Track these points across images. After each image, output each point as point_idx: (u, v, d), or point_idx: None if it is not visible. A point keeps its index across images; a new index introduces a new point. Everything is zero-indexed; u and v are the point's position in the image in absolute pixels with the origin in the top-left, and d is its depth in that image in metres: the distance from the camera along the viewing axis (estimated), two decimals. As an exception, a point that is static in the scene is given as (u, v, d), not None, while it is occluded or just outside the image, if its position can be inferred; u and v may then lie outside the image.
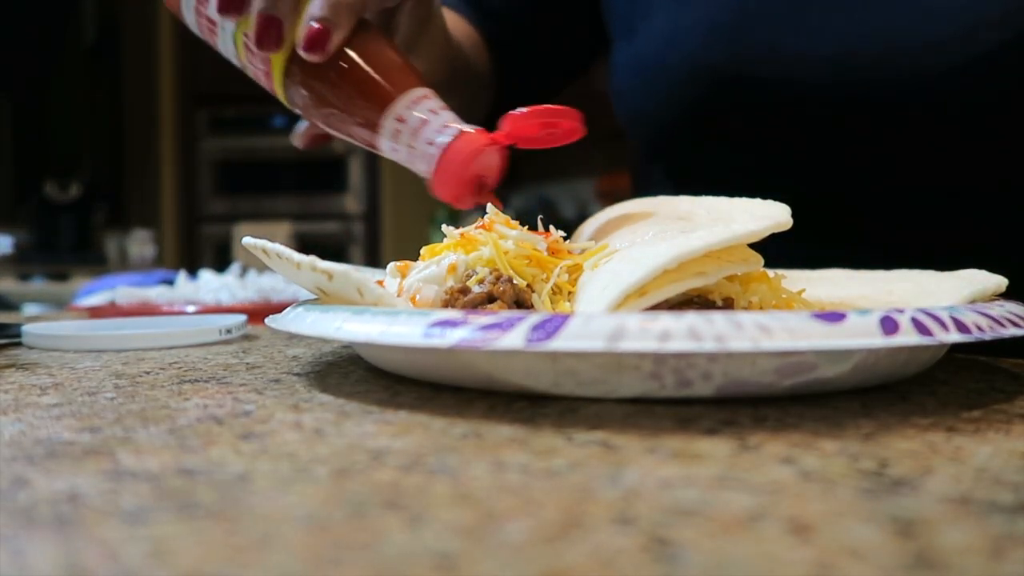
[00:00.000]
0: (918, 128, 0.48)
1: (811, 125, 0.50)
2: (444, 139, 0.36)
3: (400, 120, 0.37)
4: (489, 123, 0.38)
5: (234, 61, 0.41)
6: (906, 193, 0.50)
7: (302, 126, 0.46)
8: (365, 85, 0.37)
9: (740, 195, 0.35)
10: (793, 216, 0.30)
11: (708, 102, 0.53)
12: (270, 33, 0.37)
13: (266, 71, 0.39)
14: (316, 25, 0.36)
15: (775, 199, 0.32)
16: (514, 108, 0.36)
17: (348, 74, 0.37)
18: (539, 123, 0.36)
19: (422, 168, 0.37)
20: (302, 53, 0.37)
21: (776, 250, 0.34)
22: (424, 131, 0.36)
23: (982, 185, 0.49)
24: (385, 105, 0.37)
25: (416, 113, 0.37)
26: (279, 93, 0.40)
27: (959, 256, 0.38)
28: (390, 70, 0.38)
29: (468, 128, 0.36)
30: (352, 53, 0.38)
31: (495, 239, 0.32)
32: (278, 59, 0.38)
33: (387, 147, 0.38)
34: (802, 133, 0.51)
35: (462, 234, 0.34)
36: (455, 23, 0.59)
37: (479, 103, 0.61)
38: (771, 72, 0.50)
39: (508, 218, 0.35)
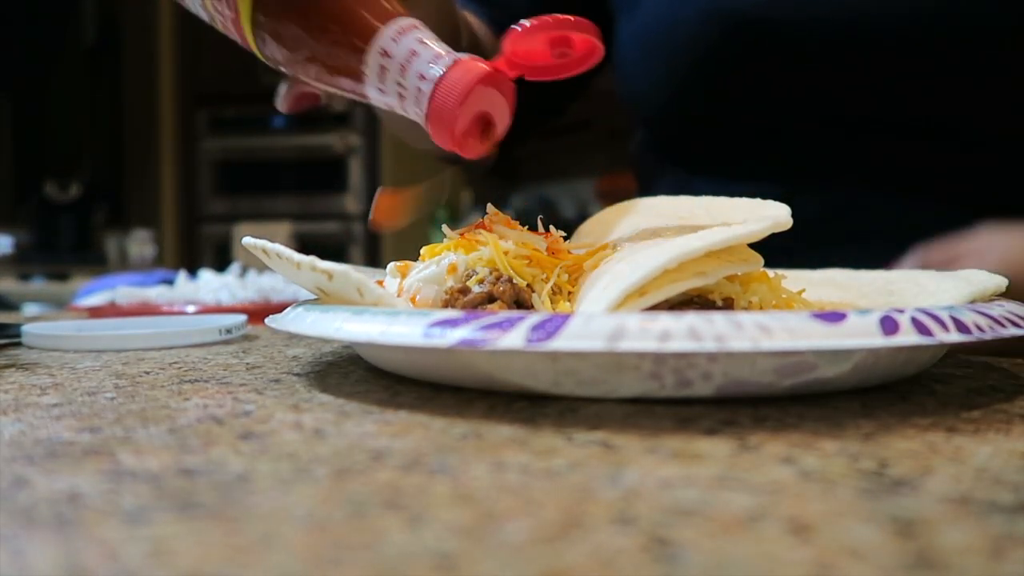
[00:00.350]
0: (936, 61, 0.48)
1: (819, 66, 0.50)
2: (437, 70, 0.31)
3: (385, 54, 0.32)
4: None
5: (202, 15, 0.36)
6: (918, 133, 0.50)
7: (283, 89, 0.42)
8: (341, 16, 0.32)
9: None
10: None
11: (717, 55, 0.52)
12: None
13: (234, 18, 0.34)
14: None
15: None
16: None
17: (320, 5, 0.33)
18: (546, 39, 0.31)
19: (415, 111, 0.32)
20: None
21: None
22: (414, 64, 0.31)
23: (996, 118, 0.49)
24: (367, 39, 0.32)
25: (403, 45, 0.32)
26: (250, 42, 0.35)
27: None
28: None
29: (464, 56, 0.31)
30: None
31: (495, 239, 0.32)
32: (245, 1, 0.33)
33: (374, 92, 0.33)
34: (812, 74, 0.50)
35: (462, 234, 0.34)
36: (475, 25, 0.58)
37: None
38: (786, 12, 0.50)
39: (508, 218, 0.35)
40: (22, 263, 2.91)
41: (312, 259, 0.31)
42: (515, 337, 0.24)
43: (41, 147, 3.46)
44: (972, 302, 0.30)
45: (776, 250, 0.33)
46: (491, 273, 0.32)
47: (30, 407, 0.27)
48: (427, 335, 0.25)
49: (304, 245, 2.81)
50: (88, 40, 3.48)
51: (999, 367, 0.35)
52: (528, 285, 0.31)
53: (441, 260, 0.33)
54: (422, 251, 0.35)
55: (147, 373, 0.34)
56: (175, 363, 0.37)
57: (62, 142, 3.48)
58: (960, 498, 0.17)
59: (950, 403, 0.27)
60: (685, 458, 0.20)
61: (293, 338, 0.47)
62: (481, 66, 0.31)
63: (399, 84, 0.32)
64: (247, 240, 0.34)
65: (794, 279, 0.38)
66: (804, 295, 0.34)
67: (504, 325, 0.24)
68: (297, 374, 0.34)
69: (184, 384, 0.31)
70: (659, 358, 0.25)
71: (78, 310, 0.69)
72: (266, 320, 0.34)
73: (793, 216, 0.29)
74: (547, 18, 0.30)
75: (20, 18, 3.28)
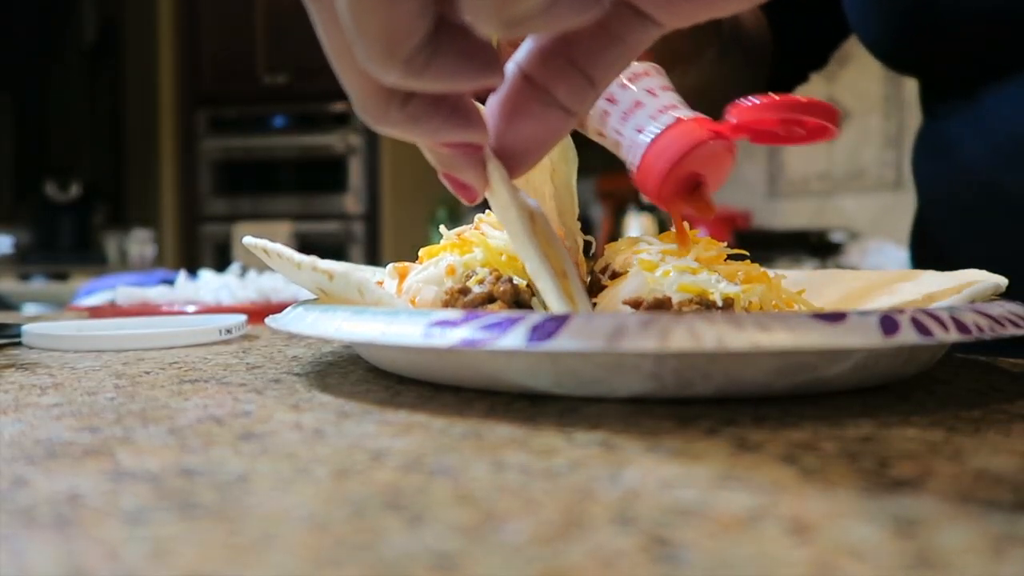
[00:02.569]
0: None
1: None
2: (655, 128, 0.31)
3: (611, 100, 0.31)
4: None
5: None
6: None
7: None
8: None
9: None
10: None
11: None
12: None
13: None
14: None
15: None
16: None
17: None
18: (777, 117, 0.30)
19: (628, 160, 0.32)
20: None
21: None
22: (635, 114, 0.31)
23: None
24: None
25: (630, 93, 0.31)
26: None
27: None
28: None
29: (689, 114, 0.31)
30: None
31: (484, 240, 0.32)
32: None
33: (594, 133, 0.33)
34: None
35: (459, 235, 0.34)
36: None
37: (753, 72, 0.57)
38: None
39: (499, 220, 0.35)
40: (22, 263, 2.91)
41: (313, 259, 0.31)
42: (515, 337, 0.24)
43: (41, 147, 3.46)
44: (972, 302, 0.30)
45: None
46: (491, 273, 0.32)
47: (30, 407, 0.27)
48: (427, 335, 0.25)
49: (304, 245, 2.82)
50: (88, 40, 3.49)
51: (999, 367, 0.35)
52: (528, 285, 0.31)
53: (439, 261, 0.33)
54: (420, 252, 0.35)
55: (147, 373, 0.34)
56: (175, 363, 0.37)
57: (62, 142, 3.48)
58: (960, 498, 0.17)
59: (950, 403, 0.27)
60: (685, 458, 0.20)
61: (293, 338, 0.47)
62: (699, 131, 0.30)
63: (617, 132, 0.32)
64: (247, 240, 0.34)
65: (794, 279, 0.38)
66: (804, 295, 0.34)
67: (504, 325, 0.24)
68: (297, 374, 0.34)
69: (184, 384, 0.31)
70: (659, 358, 0.25)
71: (78, 310, 0.69)
72: (266, 320, 0.34)
73: None
74: (781, 100, 0.29)
75: (20, 18, 3.28)
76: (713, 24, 0.46)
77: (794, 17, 0.59)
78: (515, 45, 0.25)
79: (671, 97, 0.31)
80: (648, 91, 0.31)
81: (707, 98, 0.47)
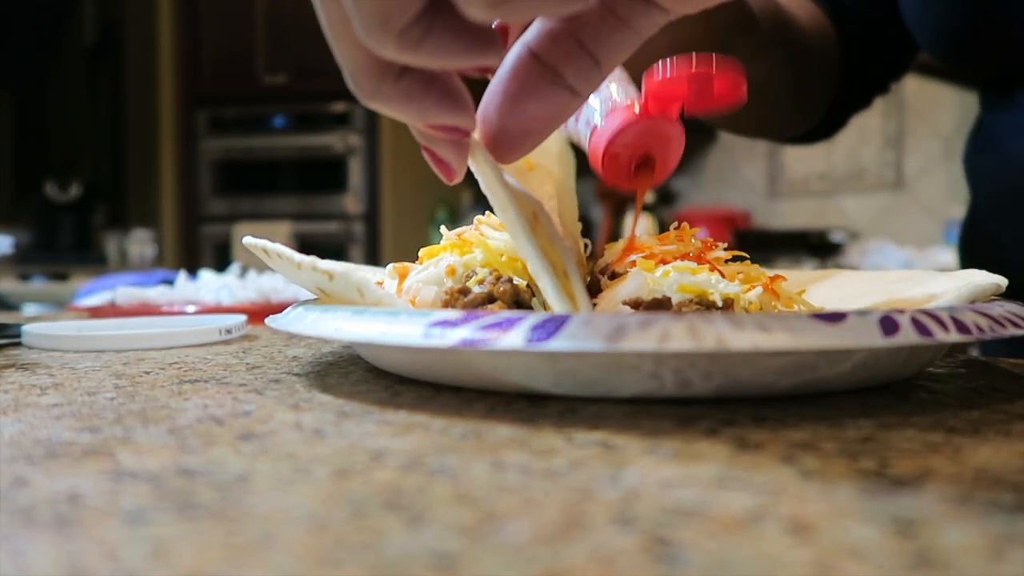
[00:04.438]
0: None
1: None
2: (597, 118, 0.33)
3: None
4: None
5: None
6: None
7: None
8: None
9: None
10: None
11: None
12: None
13: None
14: None
15: None
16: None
17: None
18: (687, 86, 0.31)
19: (586, 150, 0.34)
20: None
21: None
22: (584, 111, 0.33)
23: None
24: None
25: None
26: None
27: None
28: None
29: (622, 101, 0.33)
30: None
31: (483, 241, 0.32)
32: None
33: (572, 138, 0.36)
34: None
35: (459, 235, 0.34)
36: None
37: (815, 81, 0.57)
38: None
39: (500, 220, 0.35)
40: (22, 263, 2.90)
41: (313, 259, 0.31)
42: (515, 337, 0.24)
43: (41, 147, 3.46)
44: (972, 302, 0.30)
45: None
46: (491, 273, 0.32)
47: (30, 407, 0.27)
48: (427, 335, 0.25)
49: (304, 245, 2.82)
50: (88, 40, 3.49)
51: (999, 367, 0.35)
52: (528, 285, 0.31)
53: (440, 261, 0.33)
54: (420, 253, 0.35)
55: (147, 373, 0.34)
56: (175, 363, 0.37)
57: (62, 142, 3.48)
58: (960, 498, 0.17)
59: (950, 403, 0.27)
60: (685, 458, 0.20)
61: (293, 338, 0.47)
62: (625, 116, 0.32)
63: (577, 131, 0.34)
64: (247, 240, 0.34)
65: (794, 279, 0.38)
66: (804, 295, 0.34)
67: (504, 325, 0.24)
68: (297, 374, 0.34)
69: (184, 384, 0.31)
70: (659, 358, 0.25)
71: (78, 310, 0.69)
72: (266, 320, 0.34)
73: None
74: (686, 69, 0.30)
75: (20, 18, 3.28)
76: (742, 15, 0.45)
77: (860, 32, 0.59)
78: (524, 26, 0.25)
79: (614, 87, 0.33)
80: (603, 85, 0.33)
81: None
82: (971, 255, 0.61)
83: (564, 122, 0.26)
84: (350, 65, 0.22)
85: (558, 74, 0.24)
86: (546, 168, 0.33)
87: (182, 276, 0.72)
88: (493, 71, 0.24)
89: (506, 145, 0.25)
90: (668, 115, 0.32)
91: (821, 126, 0.64)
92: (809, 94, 0.60)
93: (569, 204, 0.35)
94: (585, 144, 0.34)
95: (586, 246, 0.37)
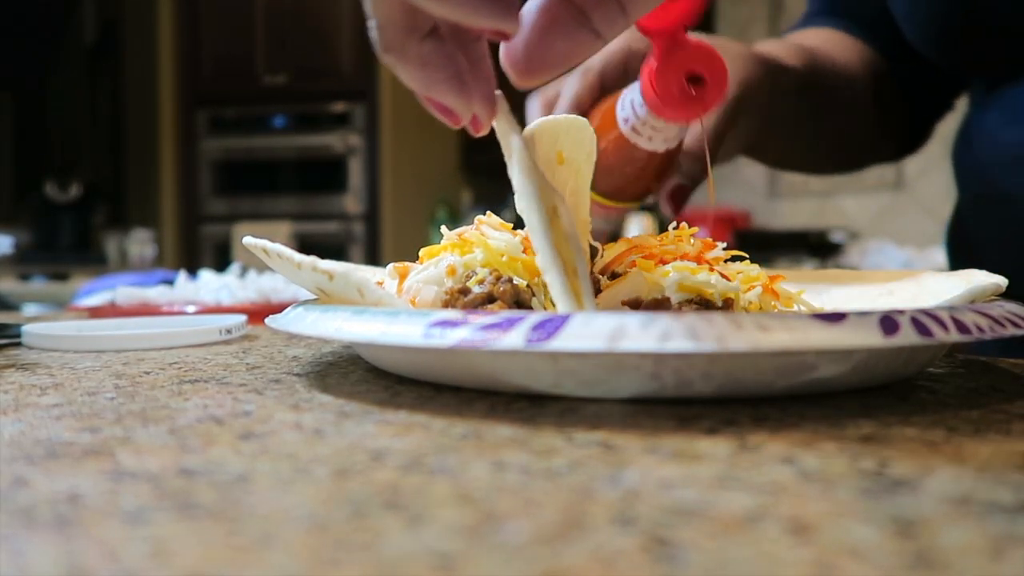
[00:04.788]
0: None
1: None
2: (636, 88, 0.39)
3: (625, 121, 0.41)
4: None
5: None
6: None
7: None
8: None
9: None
10: None
11: None
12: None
13: None
14: None
15: None
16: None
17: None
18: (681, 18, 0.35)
19: (651, 123, 0.40)
20: None
21: None
22: (628, 100, 0.41)
23: None
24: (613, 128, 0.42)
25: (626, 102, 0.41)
26: None
27: None
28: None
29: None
30: None
31: (484, 241, 0.32)
32: None
33: (628, 154, 0.42)
34: None
35: (459, 235, 0.34)
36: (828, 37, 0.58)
37: (819, 126, 0.59)
38: None
39: (501, 220, 0.35)
40: (22, 263, 2.90)
41: (313, 259, 0.31)
42: (515, 337, 0.24)
43: (41, 147, 3.46)
44: (972, 302, 0.30)
45: None
46: (491, 273, 0.32)
47: (30, 407, 0.27)
48: (427, 335, 0.25)
49: (304, 245, 2.82)
50: (88, 40, 3.48)
51: (999, 367, 0.35)
52: (528, 285, 0.31)
53: (440, 261, 0.33)
54: (421, 252, 0.35)
55: (147, 373, 0.34)
56: (175, 363, 0.37)
57: (62, 142, 3.48)
58: (960, 498, 0.17)
59: (950, 403, 0.27)
60: (685, 458, 0.20)
61: (293, 338, 0.47)
62: (654, 55, 0.36)
63: (625, 119, 0.40)
64: (247, 240, 0.34)
65: (794, 279, 0.38)
66: (804, 295, 0.34)
67: (504, 325, 0.24)
68: (297, 374, 0.34)
69: (184, 384, 0.31)
70: (659, 358, 0.25)
71: (78, 310, 0.69)
72: (266, 320, 0.34)
73: None
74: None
75: (20, 18, 3.28)
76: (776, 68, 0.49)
77: (906, 55, 0.60)
78: None
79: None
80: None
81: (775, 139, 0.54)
82: (956, 253, 0.61)
83: (583, 61, 0.27)
84: (381, 13, 0.23)
85: (585, 15, 0.25)
86: (576, 165, 0.33)
87: (182, 276, 0.72)
88: (509, 37, 0.26)
89: (526, 73, 0.26)
90: (681, 40, 0.36)
91: (908, 141, 0.66)
92: (856, 126, 0.62)
93: (584, 202, 0.35)
94: (635, 104, 0.39)
95: (595, 250, 0.37)
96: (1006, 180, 0.52)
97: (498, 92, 0.28)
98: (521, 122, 0.29)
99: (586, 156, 0.34)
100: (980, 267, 0.34)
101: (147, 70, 3.19)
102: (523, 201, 0.27)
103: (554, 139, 0.32)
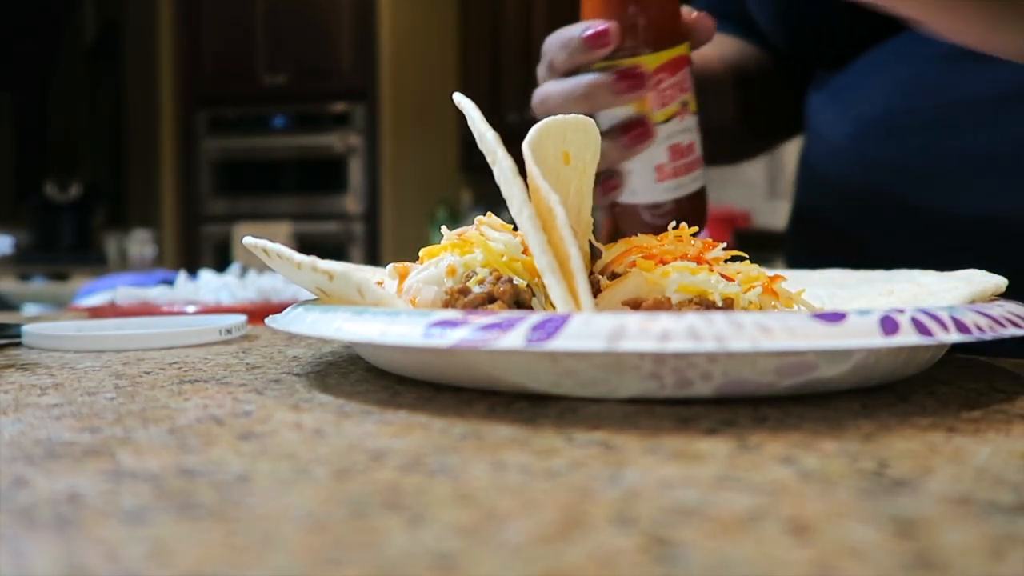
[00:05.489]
0: None
1: None
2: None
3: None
4: None
5: None
6: None
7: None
8: None
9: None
10: None
11: None
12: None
13: None
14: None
15: None
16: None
17: None
18: None
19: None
20: None
21: None
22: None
23: None
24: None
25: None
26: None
27: None
28: None
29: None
30: None
31: (483, 241, 0.32)
32: None
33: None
34: None
35: (459, 235, 0.34)
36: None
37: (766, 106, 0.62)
38: None
39: (501, 221, 0.35)
40: (22, 263, 2.90)
41: (313, 259, 0.31)
42: (515, 337, 0.24)
43: (41, 147, 3.46)
44: (972, 302, 0.30)
45: None
46: (491, 273, 0.32)
47: (30, 407, 0.27)
48: (427, 335, 0.25)
49: (304, 245, 2.81)
50: (88, 40, 3.49)
51: (999, 367, 0.35)
52: (528, 285, 0.31)
53: (440, 261, 0.33)
54: (420, 252, 0.35)
55: (147, 373, 0.34)
56: (175, 363, 0.37)
57: (62, 142, 3.48)
58: (960, 498, 0.17)
59: (950, 403, 0.27)
60: (685, 458, 0.20)
61: (293, 338, 0.47)
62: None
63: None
64: (247, 240, 0.34)
65: (794, 279, 0.38)
66: (804, 295, 0.34)
67: (504, 325, 0.24)
68: (297, 374, 0.34)
69: (184, 384, 0.31)
70: (659, 358, 0.25)
71: (78, 310, 0.69)
72: (266, 320, 0.34)
73: None
74: None
75: (20, 18, 3.28)
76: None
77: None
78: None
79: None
80: None
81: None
82: (796, 241, 0.63)
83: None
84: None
85: None
86: (582, 165, 0.33)
87: (182, 276, 0.72)
88: None
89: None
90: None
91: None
92: (763, 118, 0.65)
93: (586, 203, 0.35)
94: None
95: (599, 252, 0.37)
96: (837, 166, 0.55)
97: (464, 101, 0.31)
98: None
99: (592, 157, 0.34)
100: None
101: (147, 70, 3.19)
102: (514, 206, 0.27)
103: (561, 138, 0.32)
